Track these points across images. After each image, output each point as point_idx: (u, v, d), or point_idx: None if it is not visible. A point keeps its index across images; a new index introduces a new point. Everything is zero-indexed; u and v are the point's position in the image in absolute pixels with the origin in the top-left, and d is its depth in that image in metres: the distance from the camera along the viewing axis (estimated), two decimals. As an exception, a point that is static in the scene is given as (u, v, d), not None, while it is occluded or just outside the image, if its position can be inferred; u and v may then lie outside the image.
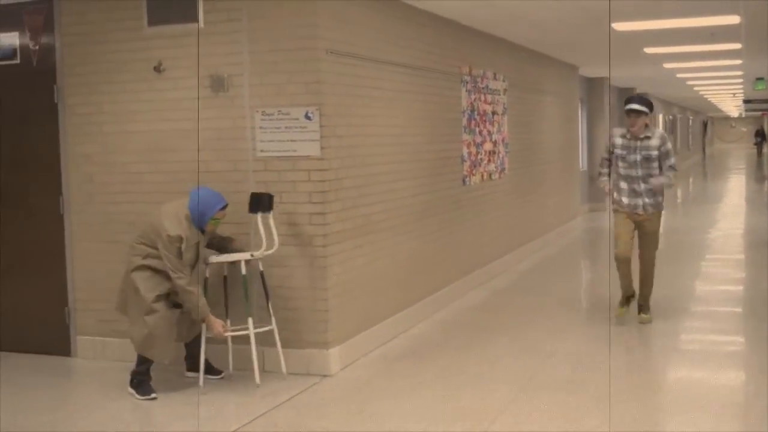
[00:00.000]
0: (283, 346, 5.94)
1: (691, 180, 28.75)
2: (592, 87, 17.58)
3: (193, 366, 6.03)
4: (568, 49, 12.06)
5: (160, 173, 6.38)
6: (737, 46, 11.59)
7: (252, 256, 5.77)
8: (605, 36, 10.19)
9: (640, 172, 7.20)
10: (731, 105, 37.46)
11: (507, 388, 5.67)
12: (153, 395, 5.66)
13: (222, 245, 5.96)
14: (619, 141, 7.28)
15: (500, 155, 10.10)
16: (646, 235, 7.37)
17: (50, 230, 6.75)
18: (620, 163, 7.28)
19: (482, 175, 9.40)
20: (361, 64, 6.53)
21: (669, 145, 7.29)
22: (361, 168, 6.53)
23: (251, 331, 5.72)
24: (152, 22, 6.27)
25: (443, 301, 8.18)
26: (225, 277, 6.05)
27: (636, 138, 7.17)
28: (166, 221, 5.63)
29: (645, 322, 7.34)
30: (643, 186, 7.21)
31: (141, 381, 5.72)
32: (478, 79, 9.22)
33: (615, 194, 7.36)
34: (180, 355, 6.06)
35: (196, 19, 6.12)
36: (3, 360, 6.69)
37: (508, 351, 6.64)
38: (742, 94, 26.81)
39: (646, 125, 7.24)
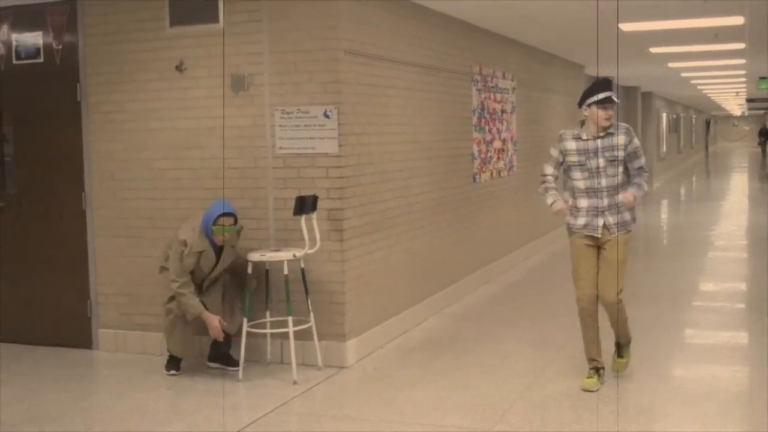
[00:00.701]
0: (303, 339, 6.10)
1: (694, 178, 28.88)
2: (597, 86, 17.66)
3: (215, 357, 6.21)
4: (575, 49, 12.19)
5: (181, 170, 6.54)
6: (741, 45, 11.74)
7: (294, 256, 5.92)
8: (611, 36, 10.33)
9: (603, 182, 5.47)
10: (734, 104, 37.59)
11: (520, 379, 5.83)
12: (172, 371, 6.12)
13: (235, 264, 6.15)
14: (572, 145, 5.55)
15: (509, 153, 10.25)
16: (608, 265, 5.52)
17: (73, 226, 6.91)
18: (575, 174, 5.56)
19: (492, 173, 9.55)
20: (377, 63, 6.69)
21: (637, 141, 5.57)
22: (378, 165, 6.69)
23: (290, 329, 5.88)
24: (174, 22, 6.42)
25: (456, 295, 8.35)
26: (267, 272, 6.20)
27: (595, 137, 5.50)
28: (182, 227, 5.97)
29: (619, 370, 5.79)
30: (606, 201, 5.49)
31: (170, 359, 6.17)
32: (488, 79, 9.37)
33: (570, 218, 5.66)
34: (204, 348, 6.24)
35: (217, 20, 6.28)
36: (27, 353, 6.85)
37: (521, 343, 6.81)
38: (745, 93, 26.93)
39: None
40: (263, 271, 6.17)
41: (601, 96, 5.42)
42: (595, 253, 5.59)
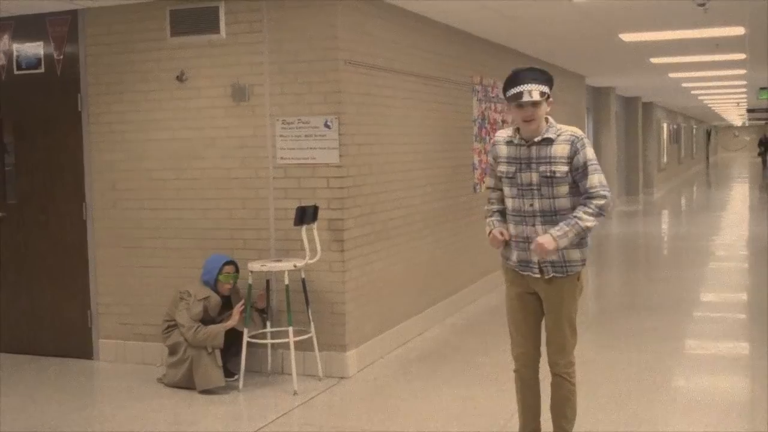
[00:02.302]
0: (303, 349, 6.09)
1: (695, 188, 28.88)
2: (598, 96, 17.73)
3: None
4: (576, 60, 12.21)
5: (182, 180, 6.54)
6: (742, 56, 11.76)
7: (295, 267, 5.92)
8: (613, 46, 10.35)
9: (536, 205, 4.10)
10: (735, 114, 37.63)
11: (521, 390, 5.81)
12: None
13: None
14: (503, 150, 4.21)
15: (510, 163, 10.21)
16: (548, 315, 4.21)
17: (73, 236, 6.91)
18: (507, 189, 4.20)
19: (492, 183, 9.52)
20: (378, 73, 6.70)
21: (588, 153, 4.09)
22: (378, 175, 6.69)
23: (291, 339, 5.87)
24: (175, 32, 6.42)
25: (457, 305, 8.34)
26: (267, 282, 6.23)
27: (529, 144, 4.13)
28: (187, 284, 6.12)
29: None
30: (541, 230, 4.08)
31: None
32: (489, 89, 9.39)
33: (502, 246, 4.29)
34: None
35: (218, 30, 6.28)
36: (27, 363, 6.85)
37: (521, 354, 6.78)
38: (746, 104, 26.97)
39: (546, 119, 4.16)
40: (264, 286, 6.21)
41: (513, 92, 4.08)
42: (531, 300, 4.26)
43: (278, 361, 6.30)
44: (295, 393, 5.80)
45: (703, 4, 7.12)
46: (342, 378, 6.16)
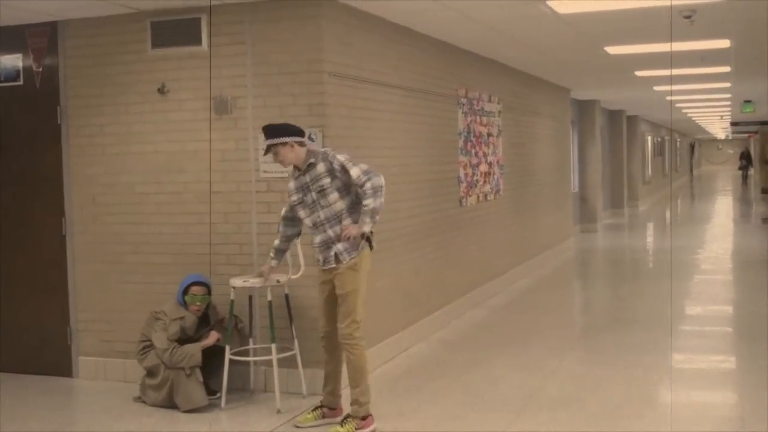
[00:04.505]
0: (287, 366, 5.98)
1: (679, 201, 28.96)
2: (583, 109, 17.74)
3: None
4: (561, 73, 12.20)
5: (164, 194, 6.43)
6: (726, 69, 11.76)
7: (278, 282, 5.82)
8: (598, 59, 10.34)
9: (321, 215, 5.24)
10: (719, 127, 37.77)
11: (509, 407, 5.72)
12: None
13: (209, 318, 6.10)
14: (292, 185, 5.39)
15: (495, 176, 10.19)
16: (338, 300, 5.31)
17: (53, 250, 6.78)
18: (300, 212, 5.36)
19: (478, 196, 9.48)
20: (363, 86, 6.62)
21: (339, 157, 5.22)
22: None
23: (274, 356, 5.76)
24: (156, 44, 6.32)
25: (443, 320, 8.25)
26: (250, 297, 6.11)
27: (303, 172, 5.31)
28: (162, 303, 6.02)
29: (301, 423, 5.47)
30: (330, 231, 5.23)
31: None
32: (474, 101, 9.33)
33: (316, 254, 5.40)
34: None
35: (199, 42, 6.18)
36: (5, 381, 6.70)
37: (509, 369, 6.70)
38: (730, 117, 27.07)
39: (309, 151, 5.34)
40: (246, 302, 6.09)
41: (263, 148, 5.37)
42: (329, 288, 5.34)
43: (261, 379, 6.19)
44: (278, 411, 5.68)
45: (689, 17, 7.10)
46: (326, 395, 6.04)
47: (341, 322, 5.27)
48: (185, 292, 5.93)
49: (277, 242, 5.58)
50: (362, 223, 5.16)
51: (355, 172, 5.17)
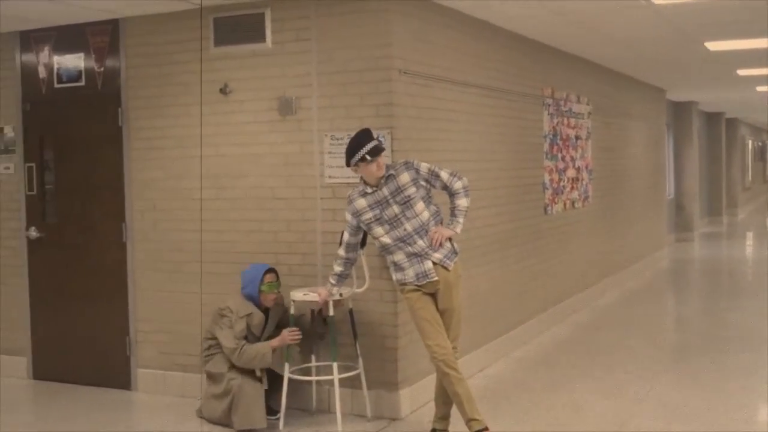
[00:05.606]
0: (351, 387, 5.58)
1: (782, 209, 27.68)
2: (679, 111, 16.95)
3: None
4: (656, 71, 11.56)
5: (223, 200, 6.11)
6: (839, 67, 10.93)
7: (341, 295, 5.43)
8: (697, 56, 9.69)
9: (408, 227, 4.92)
10: (824, 130, 36.05)
11: (593, 438, 5.19)
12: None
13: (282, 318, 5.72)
14: (363, 203, 4.99)
15: (584, 182, 9.63)
16: (446, 313, 5.05)
17: (113, 258, 6.54)
18: (377, 230, 4.98)
19: (565, 204, 8.94)
20: (436, 84, 6.16)
21: (424, 165, 5.04)
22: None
23: (336, 376, 5.37)
24: (219, 42, 6.03)
25: (523, 338, 7.72)
26: (312, 311, 5.68)
27: (380, 186, 4.96)
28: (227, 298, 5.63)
29: None
30: (421, 241, 4.92)
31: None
32: (561, 102, 8.80)
33: (396, 274, 5.01)
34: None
35: (263, 39, 5.86)
36: (62, 392, 6.51)
37: (594, 394, 6.15)
38: (838, 119, 25.73)
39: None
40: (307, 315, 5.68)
41: (364, 151, 4.89)
42: (432, 301, 5.01)
43: (324, 399, 5.80)
44: (339, 436, 5.28)
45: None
46: (393, 419, 5.61)
47: (455, 339, 5.05)
48: (261, 281, 5.52)
49: (339, 268, 5.22)
50: (456, 224, 5.03)
51: (444, 174, 5.04)
